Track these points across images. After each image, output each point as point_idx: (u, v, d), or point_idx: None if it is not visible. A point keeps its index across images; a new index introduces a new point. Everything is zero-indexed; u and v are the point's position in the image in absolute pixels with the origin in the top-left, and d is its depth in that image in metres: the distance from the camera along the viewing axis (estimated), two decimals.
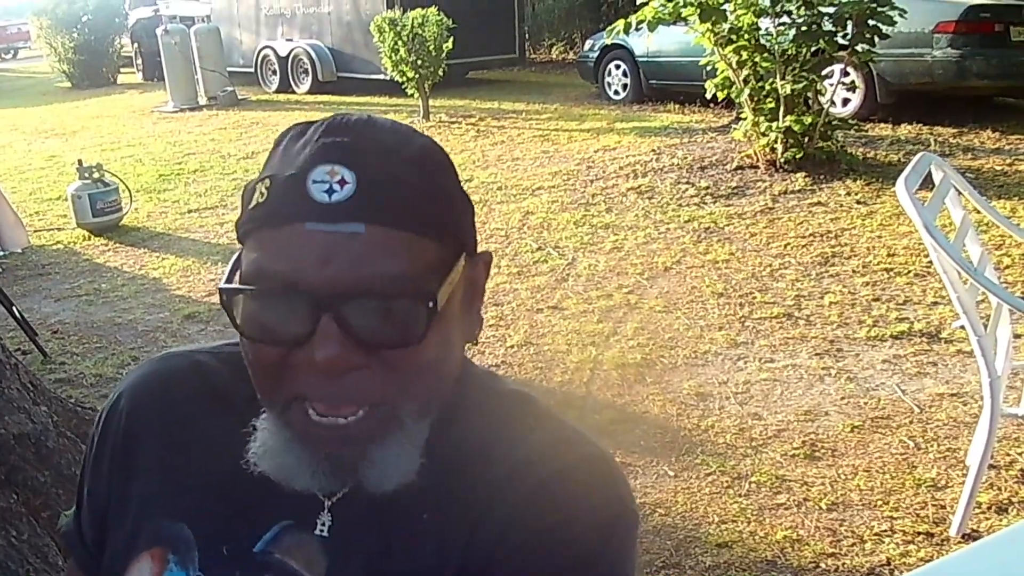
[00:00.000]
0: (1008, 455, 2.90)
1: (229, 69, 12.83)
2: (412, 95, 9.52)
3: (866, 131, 7.15)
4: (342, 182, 0.70)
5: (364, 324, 0.70)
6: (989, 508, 2.64)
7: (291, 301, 0.70)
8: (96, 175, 6.37)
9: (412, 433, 0.75)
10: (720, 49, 6.13)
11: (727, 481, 2.89)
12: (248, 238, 0.74)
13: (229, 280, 0.76)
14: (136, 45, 17.17)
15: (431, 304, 0.71)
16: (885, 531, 2.57)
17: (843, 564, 2.46)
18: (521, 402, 0.86)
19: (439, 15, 9.06)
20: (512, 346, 3.99)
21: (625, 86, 10.14)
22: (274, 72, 13.37)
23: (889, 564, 2.44)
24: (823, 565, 2.46)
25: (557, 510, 0.76)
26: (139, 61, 17.10)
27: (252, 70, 13.71)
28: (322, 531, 0.80)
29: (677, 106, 9.24)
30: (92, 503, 0.92)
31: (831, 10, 5.93)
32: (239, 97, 12.26)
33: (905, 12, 5.93)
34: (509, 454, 0.79)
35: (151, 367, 0.92)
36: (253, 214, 0.73)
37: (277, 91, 13.20)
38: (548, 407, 0.87)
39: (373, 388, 0.72)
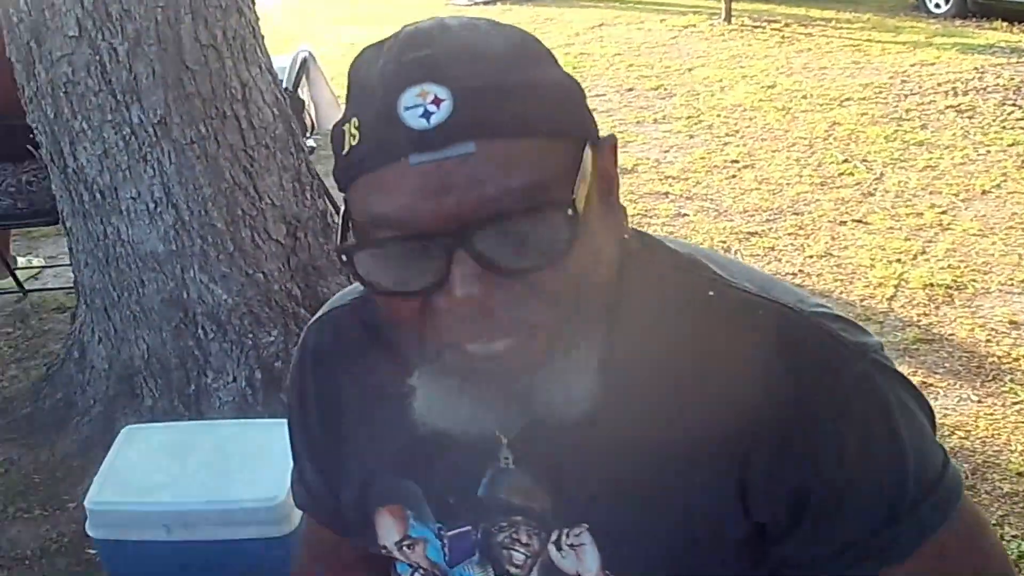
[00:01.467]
0: None
1: None
2: None
3: None
4: (436, 101, 0.61)
5: (502, 251, 0.62)
6: None
7: (416, 245, 0.63)
8: None
9: (582, 352, 0.68)
10: None
11: None
12: (350, 186, 0.66)
13: (343, 236, 0.68)
14: None
15: (571, 211, 0.62)
16: None
17: None
18: (688, 273, 0.77)
19: None
20: (811, 256, 3.97)
21: None
22: None
23: None
24: None
25: (800, 402, 0.70)
26: None
27: None
28: (507, 463, 0.78)
29: (1005, 24, 8.43)
30: (313, 463, 0.93)
31: None
32: None
33: None
34: (697, 347, 0.73)
35: (321, 325, 0.90)
36: (348, 160, 0.65)
37: None
38: (719, 266, 0.77)
39: (527, 314, 0.64)
